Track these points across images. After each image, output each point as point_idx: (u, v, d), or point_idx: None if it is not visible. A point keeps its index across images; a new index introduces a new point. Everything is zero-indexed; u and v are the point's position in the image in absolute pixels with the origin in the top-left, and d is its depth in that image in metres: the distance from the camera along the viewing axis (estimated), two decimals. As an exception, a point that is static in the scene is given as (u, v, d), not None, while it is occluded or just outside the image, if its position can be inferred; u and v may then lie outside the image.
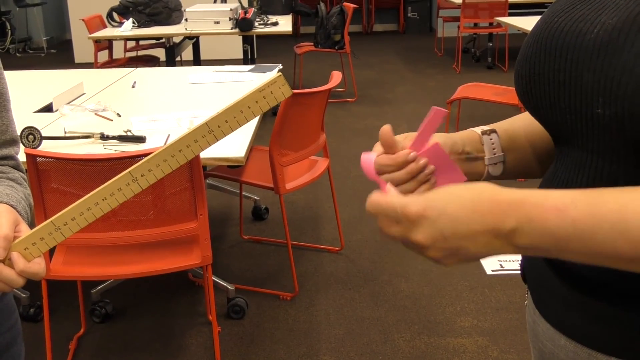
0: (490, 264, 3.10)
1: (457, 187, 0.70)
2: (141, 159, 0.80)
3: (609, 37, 0.68)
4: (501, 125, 0.93)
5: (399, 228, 0.72)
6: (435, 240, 0.69)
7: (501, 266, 3.09)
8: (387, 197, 0.72)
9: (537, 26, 0.80)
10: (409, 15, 10.91)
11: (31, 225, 0.98)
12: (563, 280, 0.80)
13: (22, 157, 1.78)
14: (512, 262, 3.12)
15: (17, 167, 1.16)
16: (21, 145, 1.63)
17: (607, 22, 0.69)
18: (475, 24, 8.03)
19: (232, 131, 0.79)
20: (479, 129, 0.90)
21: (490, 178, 0.91)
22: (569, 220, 0.64)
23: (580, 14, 0.74)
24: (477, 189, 0.69)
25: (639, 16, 0.66)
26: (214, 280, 2.70)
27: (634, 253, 0.63)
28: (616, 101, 0.66)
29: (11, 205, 1.01)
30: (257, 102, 0.78)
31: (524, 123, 0.95)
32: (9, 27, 9.78)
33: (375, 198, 0.73)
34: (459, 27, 7.42)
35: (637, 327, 0.72)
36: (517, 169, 0.93)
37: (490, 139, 0.89)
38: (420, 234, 0.70)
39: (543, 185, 0.85)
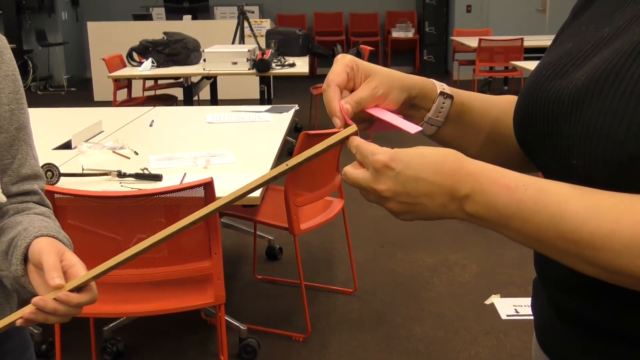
0: (506, 309, 3.07)
1: (425, 148, 0.75)
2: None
3: (578, 94, 0.73)
4: (463, 96, 0.94)
5: (365, 175, 0.78)
6: (396, 193, 0.74)
7: (516, 311, 3.05)
8: (364, 143, 0.79)
9: (530, 77, 0.84)
10: (425, 58, 11.00)
11: None
12: (558, 315, 0.84)
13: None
14: (527, 308, 3.08)
15: (41, 202, 1.13)
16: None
17: (579, 78, 0.74)
18: (491, 68, 8.08)
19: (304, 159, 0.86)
20: (441, 87, 0.91)
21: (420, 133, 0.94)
22: (516, 200, 0.69)
23: (563, 69, 0.78)
24: (442, 152, 0.74)
25: (602, 75, 0.70)
26: (226, 320, 2.69)
27: (564, 245, 0.68)
28: (584, 154, 0.71)
29: (52, 236, 0.99)
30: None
31: (494, 107, 0.96)
32: (31, 66, 9.97)
33: (357, 142, 0.81)
34: (474, 70, 7.47)
35: None
36: (455, 142, 0.94)
37: (443, 103, 0.91)
38: (383, 184, 0.75)
39: None
